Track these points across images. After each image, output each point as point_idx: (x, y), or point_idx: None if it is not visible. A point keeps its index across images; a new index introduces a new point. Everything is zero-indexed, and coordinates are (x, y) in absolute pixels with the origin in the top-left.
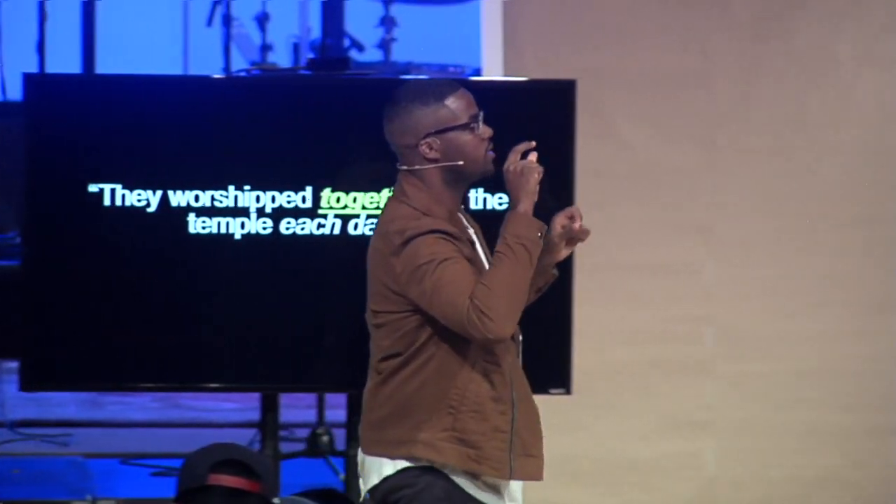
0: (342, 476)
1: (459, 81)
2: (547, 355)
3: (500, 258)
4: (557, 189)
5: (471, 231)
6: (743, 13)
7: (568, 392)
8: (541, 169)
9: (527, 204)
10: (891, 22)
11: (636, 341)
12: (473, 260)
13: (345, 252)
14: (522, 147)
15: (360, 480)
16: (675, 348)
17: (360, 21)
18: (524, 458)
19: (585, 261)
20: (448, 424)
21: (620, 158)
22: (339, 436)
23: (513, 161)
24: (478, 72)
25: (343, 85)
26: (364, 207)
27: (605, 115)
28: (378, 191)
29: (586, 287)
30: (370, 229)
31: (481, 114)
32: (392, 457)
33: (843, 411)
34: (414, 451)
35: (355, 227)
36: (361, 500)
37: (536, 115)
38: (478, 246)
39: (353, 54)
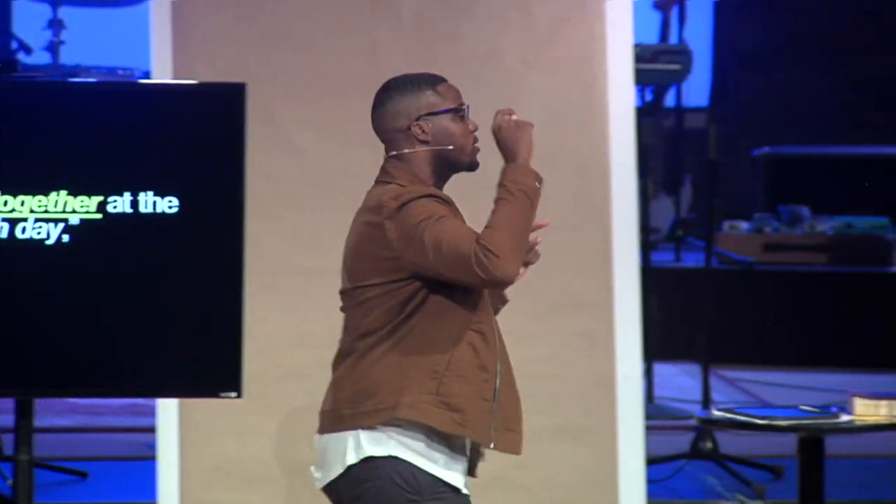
0: (10, 481)
1: (130, 84)
2: (218, 359)
3: (502, 203)
4: (227, 193)
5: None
6: (412, 18)
7: (239, 395)
8: (534, 125)
9: (525, 155)
10: (554, 28)
11: (308, 345)
12: None
13: (12, 256)
14: (507, 110)
15: (318, 470)
16: None
17: (28, 23)
18: (505, 431)
19: (256, 265)
20: (433, 389)
21: (291, 163)
22: (7, 440)
23: (503, 119)
24: (147, 75)
25: (11, 88)
26: (32, 211)
27: (276, 119)
28: (46, 194)
29: (257, 291)
30: (38, 233)
31: (468, 107)
32: (370, 426)
33: None
34: (398, 413)
35: (23, 230)
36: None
37: (207, 119)
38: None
39: (21, 57)
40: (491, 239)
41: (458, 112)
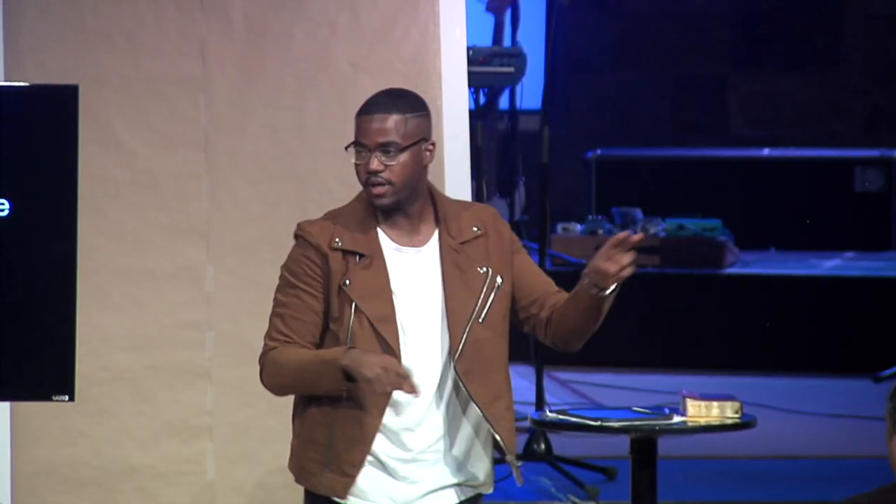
0: None
1: None
2: (50, 362)
3: (310, 361)
4: (60, 196)
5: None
6: (241, 19)
7: (71, 399)
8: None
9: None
10: (385, 30)
11: (135, 347)
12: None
13: None
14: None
15: None
16: (175, 353)
17: None
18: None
19: (85, 266)
20: None
21: (120, 163)
22: None
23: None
24: None
25: None
26: None
27: (105, 119)
28: None
29: (86, 292)
30: None
31: (362, 144)
32: None
33: None
34: None
35: None
36: None
37: (39, 121)
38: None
39: None
40: (267, 356)
41: (354, 146)
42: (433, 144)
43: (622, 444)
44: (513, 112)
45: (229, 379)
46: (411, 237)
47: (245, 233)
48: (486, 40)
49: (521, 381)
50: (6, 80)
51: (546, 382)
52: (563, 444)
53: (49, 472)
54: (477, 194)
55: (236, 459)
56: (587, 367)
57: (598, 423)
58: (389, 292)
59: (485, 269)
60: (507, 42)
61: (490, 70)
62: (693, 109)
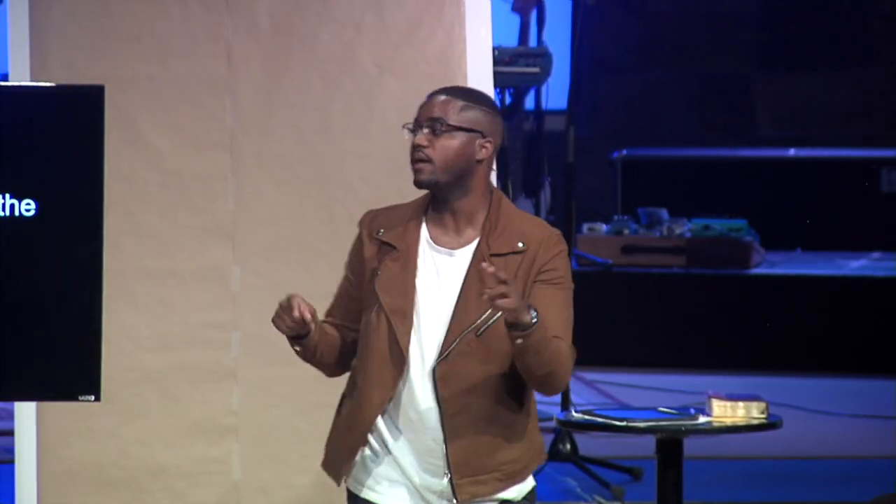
0: None
1: None
2: (76, 362)
3: None
4: (86, 196)
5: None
6: (267, 20)
7: (98, 399)
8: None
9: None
10: (410, 31)
11: (162, 347)
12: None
13: None
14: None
15: None
16: (202, 354)
17: None
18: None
19: (112, 266)
20: None
21: (146, 164)
22: None
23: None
24: (5, 77)
25: None
26: None
27: (132, 120)
28: None
29: (113, 292)
30: None
31: (413, 122)
32: None
33: None
34: None
35: None
36: None
37: (65, 122)
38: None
39: None
40: None
41: (408, 127)
42: (490, 143)
43: (648, 445)
44: (538, 112)
45: (255, 379)
46: (453, 238)
47: (271, 233)
48: (511, 40)
49: None
50: (33, 81)
51: (572, 383)
52: (588, 445)
53: (76, 472)
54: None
55: (263, 460)
56: (613, 368)
57: (624, 423)
58: (412, 288)
59: None
60: (532, 42)
61: (516, 70)
62: (719, 109)
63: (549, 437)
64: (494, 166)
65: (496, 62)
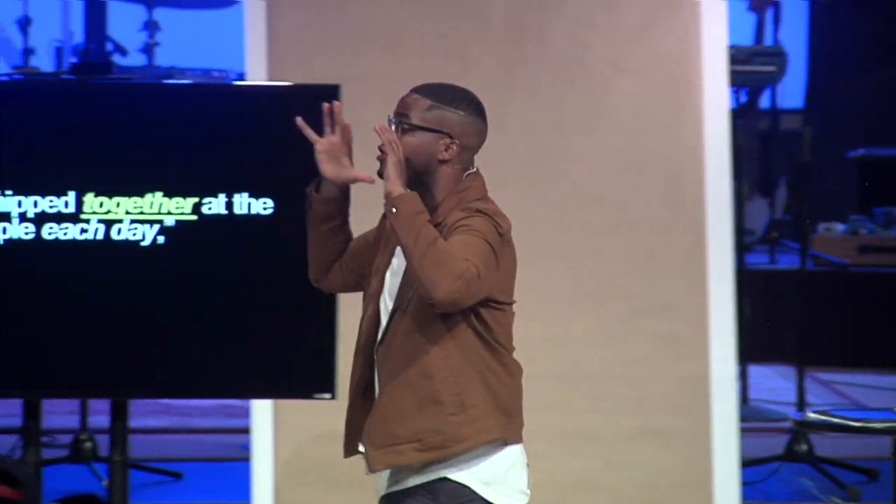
0: (105, 482)
1: (225, 86)
2: (312, 360)
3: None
4: None
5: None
6: (500, 20)
7: (333, 397)
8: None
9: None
10: (643, 30)
11: None
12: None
13: (108, 257)
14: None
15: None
16: None
17: (123, 25)
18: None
19: None
20: None
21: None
22: (103, 441)
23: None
24: (242, 76)
25: (106, 89)
26: (128, 212)
27: (366, 120)
28: (142, 195)
29: (347, 295)
30: (133, 234)
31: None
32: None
33: (595, 414)
34: None
35: (119, 231)
36: None
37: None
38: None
39: (116, 59)
40: None
41: None
42: (457, 144)
43: (884, 445)
44: (774, 111)
45: None
46: None
47: None
48: (747, 39)
49: (783, 381)
50: (270, 80)
51: (807, 383)
52: (824, 445)
53: (310, 470)
54: (738, 194)
55: None
56: (848, 368)
57: (860, 424)
58: (382, 272)
59: None
60: (768, 41)
61: (751, 69)
62: None
63: (785, 438)
64: (730, 166)
65: (731, 61)
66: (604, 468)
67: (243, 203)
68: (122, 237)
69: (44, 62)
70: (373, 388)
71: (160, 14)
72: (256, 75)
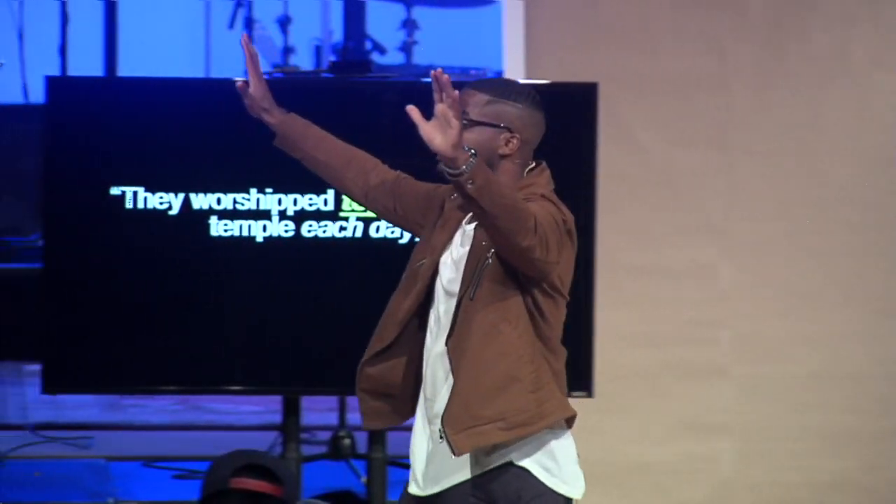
0: (364, 479)
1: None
2: (569, 358)
3: None
4: (579, 192)
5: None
6: (759, 17)
7: (590, 395)
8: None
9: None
10: None
11: (652, 344)
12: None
13: (367, 255)
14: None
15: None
16: (691, 351)
17: (382, 24)
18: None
19: (602, 263)
20: None
21: (637, 162)
22: (361, 438)
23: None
24: (499, 74)
25: (365, 88)
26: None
27: (622, 118)
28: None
29: (603, 289)
30: (392, 232)
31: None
32: None
33: (855, 414)
34: None
35: (377, 229)
36: None
37: (558, 119)
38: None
39: (375, 57)
40: None
41: None
42: (517, 138)
43: None
44: None
45: (746, 377)
46: None
47: (760, 231)
48: None
49: None
50: (527, 78)
51: None
52: None
53: None
54: None
55: (753, 458)
56: None
57: None
58: (447, 239)
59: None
60: None
61: None
62: None
63: None
64: None
65: None
66: (863, 468)
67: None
68: (379, 235)
69: (303, 61)
70: (390, 360)
71: (419, 13)
72: (513, 73)
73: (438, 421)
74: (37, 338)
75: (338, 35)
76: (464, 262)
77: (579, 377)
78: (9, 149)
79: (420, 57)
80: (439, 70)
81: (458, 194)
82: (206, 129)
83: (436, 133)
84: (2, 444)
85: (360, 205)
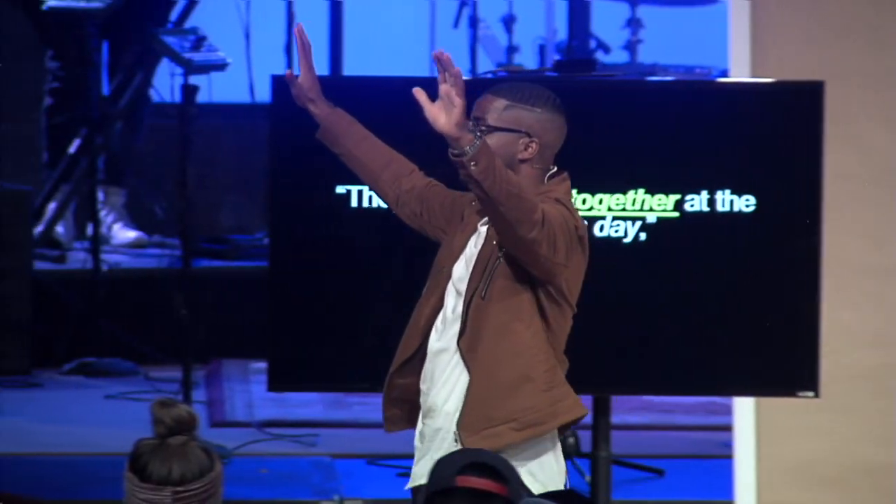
0: (587, 478)
1: (706, 82)
2: (794, 358)
3: None
4: (804, 192)
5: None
6: None
7: (816, 395)
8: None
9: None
10: None
11: (877, 344)
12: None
13: (591, 254)
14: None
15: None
16: None
17: (607, 22)
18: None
19: (829, 263)
20: None
21: (862, 161)
22: (585, 437)
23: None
24: (724, 73)
25: (589, 87)
26: (610, 209)
27: (848, 116)
28: (624, 192)
29: (828, 289)
30: (615, 231)
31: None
32: None
33: None
34: None
35: (601, 228)
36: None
37: (784, 118)
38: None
39: (599, 56)
40: None
41: None
42: (536, 143)
43: None
44: None
45: None
46: None
47: None
48: None
49: None
50: (753, 77)
51: None
52: None
53: (792, 469)
54: None
55: None
56: None
57: None
58: (456, 255)
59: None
60: None
61: None
62: None
63: None
64: None
65: None
66: None
67: (725, 200)
68: (604, 234)
69: (527, 60)
70: (416, 368)
71: (643, 11)
72: (739, 72)
73: (433, 416)
74: (263, 336)
75: (562, 34)
76: (474, 260)
77: (806, 377)
78: (235, 148)
79: (645, 55)
80: (439, 50)
81: (462, 177)
82: (432, 129)
83: (440, 113)
84: (228, 441)
85: (391, 209)
